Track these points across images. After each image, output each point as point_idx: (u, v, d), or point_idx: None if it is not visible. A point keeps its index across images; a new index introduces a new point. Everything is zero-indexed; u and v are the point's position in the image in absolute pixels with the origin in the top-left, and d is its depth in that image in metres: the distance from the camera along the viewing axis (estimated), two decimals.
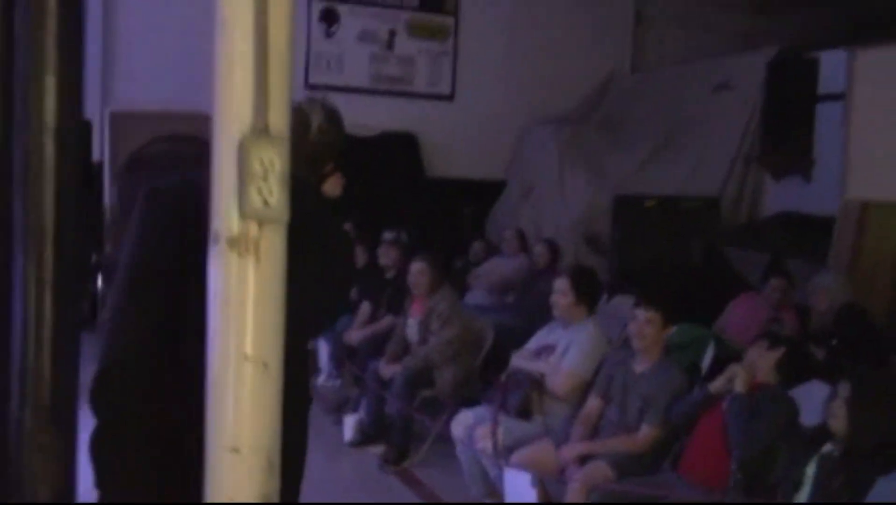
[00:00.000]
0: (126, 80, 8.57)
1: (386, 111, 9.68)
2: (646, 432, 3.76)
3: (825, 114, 7.48)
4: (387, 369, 5.58)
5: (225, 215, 1.38)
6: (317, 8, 9.43)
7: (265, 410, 1.43)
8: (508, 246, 7.62)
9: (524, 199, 9.19)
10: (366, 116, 9.40)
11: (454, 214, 9.46)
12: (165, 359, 1.80)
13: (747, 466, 3.51)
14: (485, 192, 9.68)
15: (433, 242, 8.43)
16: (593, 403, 4.02)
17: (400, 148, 9.69)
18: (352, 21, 9.63)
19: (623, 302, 5.84)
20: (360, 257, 6.98)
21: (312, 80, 9.38)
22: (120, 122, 8.44)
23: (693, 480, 3.64)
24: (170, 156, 7.84)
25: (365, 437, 5.56)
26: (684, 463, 3.73)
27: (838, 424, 3.11)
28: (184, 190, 1.88)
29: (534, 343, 4.51)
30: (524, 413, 4.21)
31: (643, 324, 3.91)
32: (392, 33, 9.82)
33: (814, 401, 3.64)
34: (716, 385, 3.71)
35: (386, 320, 6.32)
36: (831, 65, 7.32)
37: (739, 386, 3.59)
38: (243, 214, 1.33)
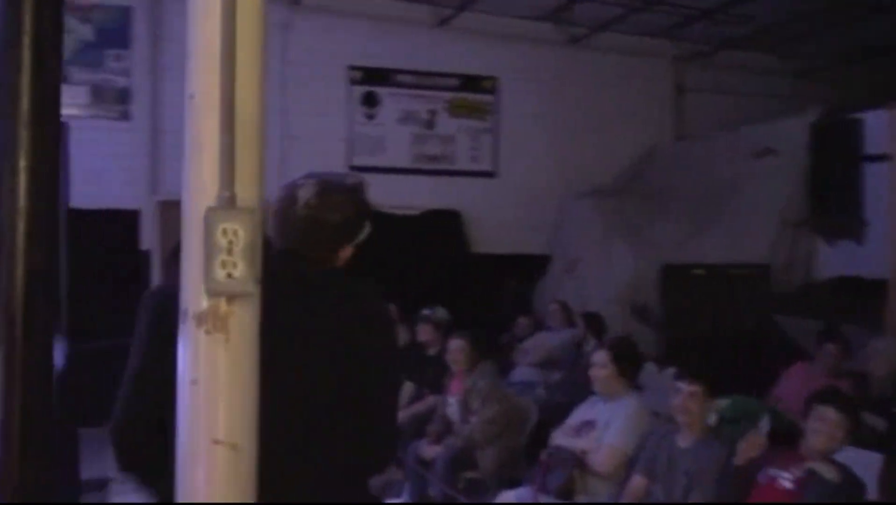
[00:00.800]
0: (173, 169, 8.76)
1: (429, 190, 9.74)
2: None
3: (875, 174, 7.29)
4: (428, 450, 5.46)
5: (192, 290, 1.33)
6: (358, 92, 9.60)
7: (237, 493, 1.35)
8: (553, 319, 7.50)
9: (569, 272, 9.07)
10: (409, 196, 9.47)
11: (499, 290, 9.37)
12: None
13: None
14: (529, 267, 9.60)
15: (478, 318, 8.35)
16: (637, 481, 3.85)
17: (444, 225, 9.70)
18: (393, 103, 9.76)
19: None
20: (402, 336, 6.92)
21: (355, 162, 9.49)
22: (167, 210, 8.61)
23: None
24: None
25: None
26: None
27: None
28: (169, 291, 1.96)
29: (574, 419, 4.37)
30: (566, 493, 4.05)
31: (686, 397, 3.76)
32: (433, 113, 9.92)
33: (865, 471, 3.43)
34: (739, 458, 3.53)
35: (428, 400, 6.21)
36: (876, 125, 7.16)
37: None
38: (208, 289, 1.28)
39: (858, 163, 7.48)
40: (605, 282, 8.45)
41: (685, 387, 3.76)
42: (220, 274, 1.31)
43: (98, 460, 5.59)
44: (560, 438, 4.28)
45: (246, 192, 1.38)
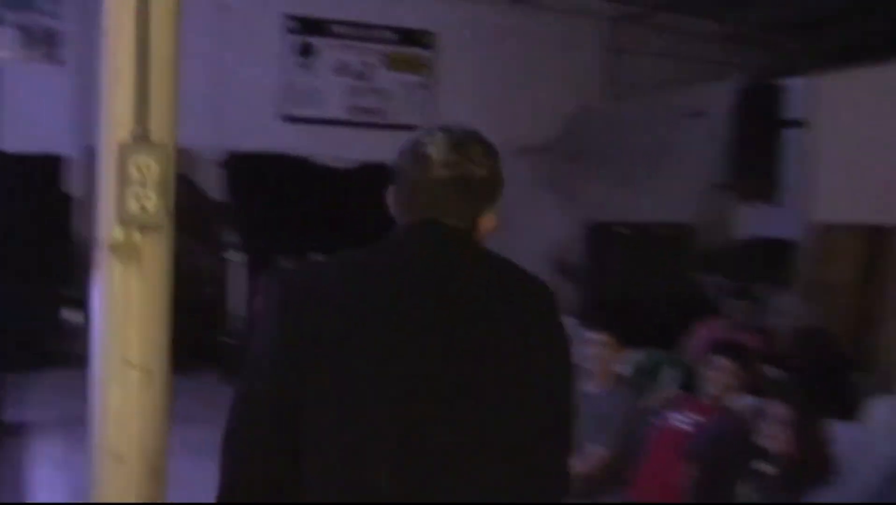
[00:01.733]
0: None
1: (364, 143, 9.75)
2: (597, 454, 3.76)
3: (794, 140, 7.55)
4: None
5: (107, 222, 1.40)
6: (294, 41, 9.52)
7: (149, 416, 1.44)
8: None
9: (499, 229, 9.22)
10: (344, 148, 9.49)
11: None
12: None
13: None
14: None
15: None
16: None
17: (378, 179, 9.71)
18: (329, 54, 9.71)
19: None
20: None
21: (289, 112, 9.45)
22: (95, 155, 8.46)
23: (645, 501, 3.65)
24: None
25: None
26: (637, 486, 3.72)
27: (778, 444, 3.16)
28: (311, 282, 1.56)
29: None
30: None
31: (594, 346, 3.92)
32: (370, 66, 9.91)
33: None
34: (653, 400, 3.74)
35: None
36: (798, 92, 7.41)
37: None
38: (121, 220, 1.36)
39: (779, 128, 7.73)
40: (533, 238, 8.61)
41: (594, 336, 3.93)
42: (134, 206, 1.38)
43: (19, 405, 5.62)
44: None
45: (160, 127, 1.44)
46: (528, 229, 8.75)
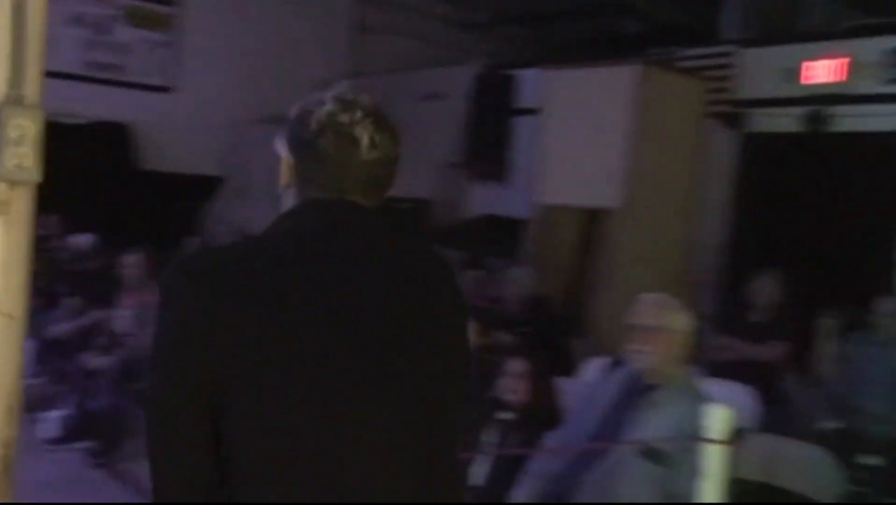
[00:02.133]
0: None
1: (98, 100, 9.33)
2: None
3: (524, 126, 8.26)
4: (95, 362, 5.50)
5: None
6: None
7: (9, 359, 1.53)
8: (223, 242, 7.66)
9: (240, 197, 9.25)
10: (76, 104, 9.02)
11: (167, 209, 9.28)
12: None
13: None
14: (200, 187, 9.60)
15: (143, 236, 8.24)
16: None
17: (111, 139, 9.38)
18: (62, 4, 9.16)
19: None
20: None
21: None
22: None
23: None
24: None
25: (69, 433, 5.39)
26: None
27: (516, 396, 3.65)
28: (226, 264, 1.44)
29: None
30: None
31: None
32: (108, 19, 9.48)
33: None
34: None
35: (94, 314, 6.18)
36: (529, 82, 8.12)
37: None
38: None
39: (510, 114, 8.42)
40: (273, 208, 8.71)
41: None
42: (11, 164, 1.48)
43: None
44: None
45: (33, 91, 1.54)
46: (270, 199, 8.82)
